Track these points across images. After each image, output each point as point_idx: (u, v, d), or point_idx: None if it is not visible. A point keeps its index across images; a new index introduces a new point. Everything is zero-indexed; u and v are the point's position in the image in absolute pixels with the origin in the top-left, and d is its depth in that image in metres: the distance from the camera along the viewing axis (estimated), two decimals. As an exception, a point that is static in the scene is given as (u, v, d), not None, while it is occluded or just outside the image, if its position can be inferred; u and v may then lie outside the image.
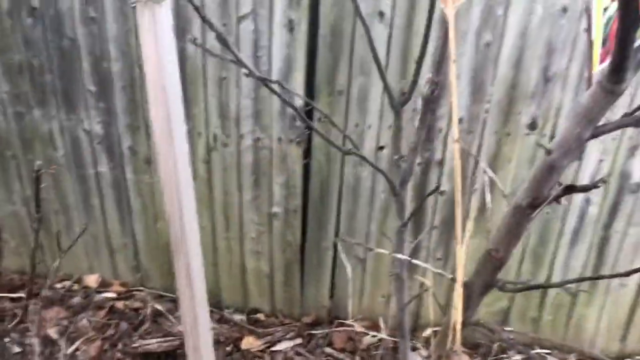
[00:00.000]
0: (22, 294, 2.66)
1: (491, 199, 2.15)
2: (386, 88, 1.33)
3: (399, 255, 1.53)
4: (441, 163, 2.19)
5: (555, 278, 2.33)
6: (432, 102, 1.29)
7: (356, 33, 2.01)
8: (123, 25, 2.14)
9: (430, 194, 1.64)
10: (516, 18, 1.91)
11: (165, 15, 0.89)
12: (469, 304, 1.40)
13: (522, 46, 1.95)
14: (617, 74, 0.94)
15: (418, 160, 2.20)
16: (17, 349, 2.41)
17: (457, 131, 1.17)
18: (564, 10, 1.88)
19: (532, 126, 2.08)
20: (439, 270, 1.58)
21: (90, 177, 2.49)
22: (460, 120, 2.11)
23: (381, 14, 1.96)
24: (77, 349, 2.41)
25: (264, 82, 1.27)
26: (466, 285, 1.36)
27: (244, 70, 1.27)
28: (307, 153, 2.26)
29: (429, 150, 2.18)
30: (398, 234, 1.51)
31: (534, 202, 1.19)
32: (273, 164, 2.28)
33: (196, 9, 1.17)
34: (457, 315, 1.28)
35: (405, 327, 1.67)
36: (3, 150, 2.52)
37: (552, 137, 2.07)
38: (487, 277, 1.37)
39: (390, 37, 1.99)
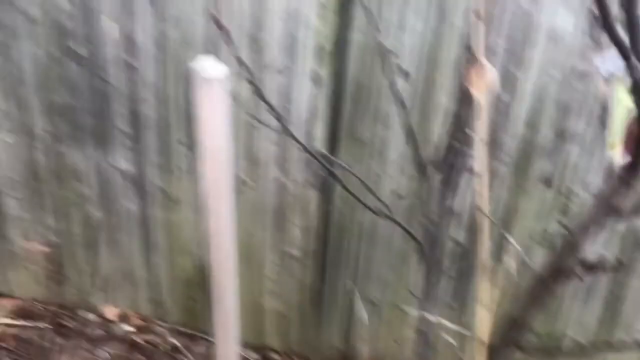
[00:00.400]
0: (46, 324, 2.75)
1: (505, 255, 2.21)
2: (416, 153, 1.39)
3: (429, 316, 1.58)
4: (457, 213, 2.26)
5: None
6: (456, 169, 1.37)
7: (378, 87, 2.12)
8: (160, 72, 2.28)
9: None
10: (533, 79, 2.01)
11: (222, 89, 0.98)
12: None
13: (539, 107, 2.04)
14: (634, 170, 1.03)
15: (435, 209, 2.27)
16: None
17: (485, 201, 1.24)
18: (582, 75, 1.98)
19: (548, 183, 2.15)
20: (466, 332, 1.63)
21: (119, 213, 2.60)
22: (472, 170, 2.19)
23: (403, 70, 2.07)
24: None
25: (291, 136, 1.37)
26: (489, 347, 1.42)
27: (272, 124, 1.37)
28: (328, 198, 2.35)
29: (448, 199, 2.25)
30: (425, 294, 1.57)
31: (556, 278, 1.26)
32: (293, 207, 2.37)
33: (239, 60, 1.28)
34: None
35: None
36: (39, 186, 2.65)
37: (567, 195, 2.14)
38: (508, 339, 1.42)
39: (410, 92, 2.10)
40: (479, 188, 2.16)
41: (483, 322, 1.29)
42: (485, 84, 1.02)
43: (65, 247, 2.77)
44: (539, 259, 2.22)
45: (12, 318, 2.82)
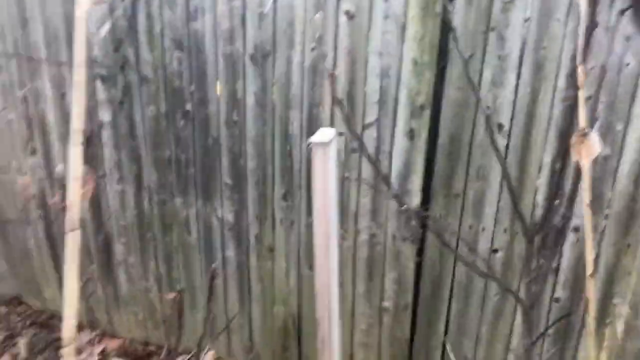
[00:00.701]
0: (146, 364, 2.89)
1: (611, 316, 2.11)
2: (520, 216, 1.40)
3: None
4: (557, 271, 2.19)
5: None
6: (558, 227, 1.36)
7: (474, 142, 2.14)
8: (261, 128, 2.42)
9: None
10: (636, 134, 1.95)
11: (333, 152, 1.06)
12: None
13: (643, 160, 1.98)
14: None
15: (533, 265, 2.22)
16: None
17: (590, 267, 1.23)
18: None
19: None
20: None
21: (218, 260, 2.73)
22: (577, 229, 2.12)
23: (500, 126, 2.08)
24: None
25: (395, 197, 1.41)
26: None
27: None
28: (420, 251, 2.35)
29: (545, 257, 2.20)
30: (527, 353, 1.53)
31: None
32: (386, 260, 2.39)
33: (347, 120, 1.35)
34: None
35: None
36: (144, 232, 2.85)
37: (676, 252, 2.03)
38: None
39: (507, 147, 2.09)
40: (582, 247, 2.09)
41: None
42: (588, 149, 1.02)
43: (165, 291, 2.93)
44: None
45: (117, 356, 2.99)
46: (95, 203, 2.89)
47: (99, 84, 2.65)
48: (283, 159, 2.43)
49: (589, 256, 1.13)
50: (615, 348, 2.22)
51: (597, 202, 2.05)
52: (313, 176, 1.01)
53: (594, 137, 0.92)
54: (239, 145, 2.49)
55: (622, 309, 2.17)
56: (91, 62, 2.59)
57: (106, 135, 2.74)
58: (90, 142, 2.75)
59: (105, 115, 2.70)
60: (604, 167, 2.02)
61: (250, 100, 2.40)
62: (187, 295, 2.88)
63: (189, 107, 2.53)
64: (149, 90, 2.57)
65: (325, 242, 1.05)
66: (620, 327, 2.18)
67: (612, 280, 2.12)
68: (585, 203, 0.91)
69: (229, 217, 2.63)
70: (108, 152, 2.76)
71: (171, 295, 1.15)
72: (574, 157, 0.98)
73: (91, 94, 2.66)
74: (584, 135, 0.94)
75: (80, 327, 3.21)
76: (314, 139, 1.04)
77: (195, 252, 2.77)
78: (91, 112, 2.73)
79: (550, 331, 2.27)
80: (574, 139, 0.96)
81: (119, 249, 2.95)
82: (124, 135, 2.70)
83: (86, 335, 3.19)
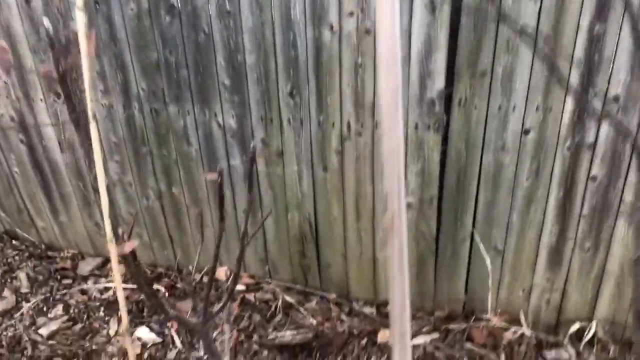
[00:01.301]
0: (158, 287, 2.76)
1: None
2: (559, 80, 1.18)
3: None
4: (593, 146, 2.03)
5: None
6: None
7: (503, 9, 1.90)
8: (258, 17, 2.14)
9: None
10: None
11: None
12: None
13: (696, 12, 1.76)
14: None
15: (567, 143, 2.05)
16: (157, 339, 2.49)
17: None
18: None
19: None
20: None
21: (223, 170, 2.53)
22: (617, 98, 1.94)
23: (532, -13, 1.83)
24: (214, 340, 2.46)
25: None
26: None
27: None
28: (445, 140, 2.17)
29: (580, 132, 2.03)
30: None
31: None
32: (408, 152, 2.21)
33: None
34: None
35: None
36: (139, 146, 2.62)
37: None
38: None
39: (540, 10, 1.86)
40: (622, 118, 1.91)
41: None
42: None
43: (171, 207, 2.75)
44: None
45: (124, 281, 2.85)
46: (81, 120, 2.63)
47: (67, -18, 2.32)
48: (286, 50, 2.17)
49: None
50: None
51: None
52: (378, 15, 0.79)
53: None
54: (234, 39, 2.22)
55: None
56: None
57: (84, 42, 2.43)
58: (68, 52, 2.46)
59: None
60: (652, 25, 1.80)
61: (243, -16, 2.10)
62: (193, 211, 2.71)
63: (173, 0, 2.23)
64: (125, -16, 2.25)
65: (394, 106, 0.85)
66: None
67: (655, 152, 1.97)
68: None
69: (231, 122, 2.40)
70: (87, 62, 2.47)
71: (195, 212, 0.97)
72: None
73: (60, -5, 2.34)
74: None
75: (81, 256, 3.06)
76: None
77: (196, 163, 2.56)
78: (64, 17, 2.41)
79: (585, 211, 2.15)
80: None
81: (112, 167, 2.73)
82: (104, 41, 2.40)
83: (89, 264, 3.03)
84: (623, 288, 2.24)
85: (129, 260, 0.80)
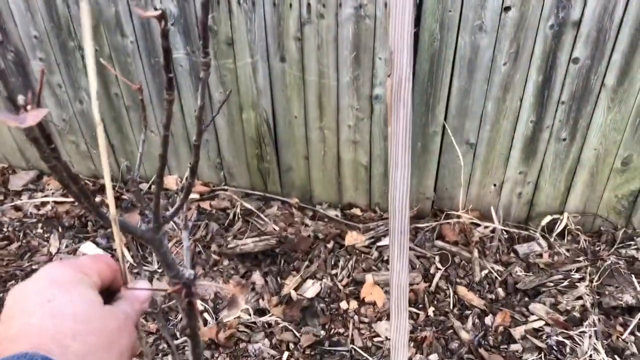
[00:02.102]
0: (102, 198, 2.50)
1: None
2: None
3: None
4: (578, 24, 1.84)
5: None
6: None
7: None
8: None
9: None
10: None
11: None
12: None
13: None
14: None
15: (550, 22, 1.85)
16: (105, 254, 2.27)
17: None
18: None
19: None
20: None
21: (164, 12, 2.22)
22: (608, -32, 1.73)
23: None
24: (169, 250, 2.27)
25: None
26: None
27: None
28: (417, 21, 1.93)
29: (565, 7, 1.83)
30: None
31: None
32: (377, 37, 1.97)
33: None
34: None
35: None
36: (65, 40, 2.26)
37: None
38: None
39: None
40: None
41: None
42: None
43: (109, 112, 2.45)
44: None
45: (62, 195, 2.58)
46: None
47: None
48: None
49: None
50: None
51: None
52: None
53: None
54: None
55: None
56: None
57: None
58: None
59: None
60: None
61: None
62: (135, 114, 2.42)
63: None
64: None
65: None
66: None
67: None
68: None
69: (171, 6, 2.08)
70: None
71: (134, 87, 0.73)
72: None
73: None
74: None
75: (12, 170, 2.75)
76: None
77: (134, 58, 2.24)
78: None
79: (564, 97, 2.00)
80: None
81: (36, 66, 2.37)
82: None
83: (21, 178, 2.73)
84: (596, 178, 2.16)
85: (40, 141, 0.55)
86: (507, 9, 1.85)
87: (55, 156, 0.71)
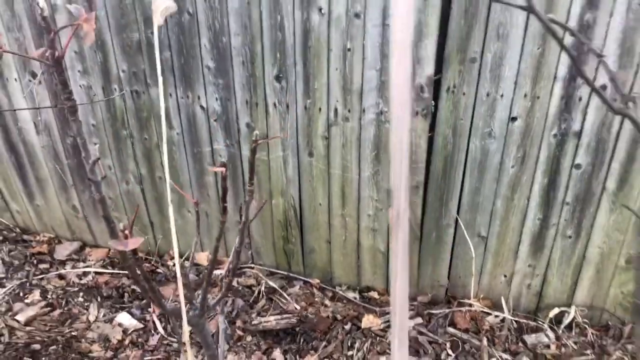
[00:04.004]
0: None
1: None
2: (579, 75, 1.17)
3: None
4: (579, 134, 2.04)
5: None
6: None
7: (493, -4, 1.88)
8: (244, -3, 2.09)
9: None
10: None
11: None
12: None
13: (684, 3, 1.77)
14: None
15: (553, 131, 2.06)
16: (139, 325, 2.45)
17: None
18: None
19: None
20: None
21: (206, 154, 2.48)
22: (604, 87, 1.95)
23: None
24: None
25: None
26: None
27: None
28: (432, 126, 2.16)
29: (566, 120, 2.04)
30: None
31: None
32: (396, 138, 2.19)
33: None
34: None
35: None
36: (119, 129, 2.55)
37: None
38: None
39: None
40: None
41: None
42: None
43: (152, 193, 2.70)
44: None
45: (102, 266, 2.80)
46: (58, 101, 2.55)
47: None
48: (273, 33, 2.13)
49: None
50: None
51: (628, 55, 1.87)
52: (393, 10, 0.76)
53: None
54: (219, 20, 2.16)
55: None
56: None
57: (60, 18, 2.35)
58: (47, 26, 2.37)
59: (55, -4, 2.30)
60: (638, 15, 1.81)
61: (229, -37, 2.05)
62: (175, 196, 2.66)
63: (155, -22, 2.16)
64: (106, -40, 2.17)
65: (404, 95, 0.83)
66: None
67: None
68: None
69: (215, 105, 2.35)
70: (63, 41, 2.39)
71: (192, 201, 0.94)
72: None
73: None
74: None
75: (58, 240, 2.99)
76: None
77: (179, 147, 2.51)
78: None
79: (569, 199, 2.17)
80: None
81: (91, 150, 2.65)
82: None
83: (66, 248, 2.97)
84: (602, 274, 2.29)
85: (128, 256, 0.77)
86: (514, 119, 2.07)
87: (138, 266, 0.94)
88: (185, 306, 1.00)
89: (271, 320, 2.40)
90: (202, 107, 2.36)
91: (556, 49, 1.91)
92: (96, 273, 2.76)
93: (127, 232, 0.77)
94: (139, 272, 0.80)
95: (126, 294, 2.60)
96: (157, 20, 1.01)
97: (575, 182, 2.14)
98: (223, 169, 0.71)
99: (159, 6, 1.03)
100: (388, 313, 2.44)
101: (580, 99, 1.99)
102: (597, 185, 2.12)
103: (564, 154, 2.09)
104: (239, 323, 2.42)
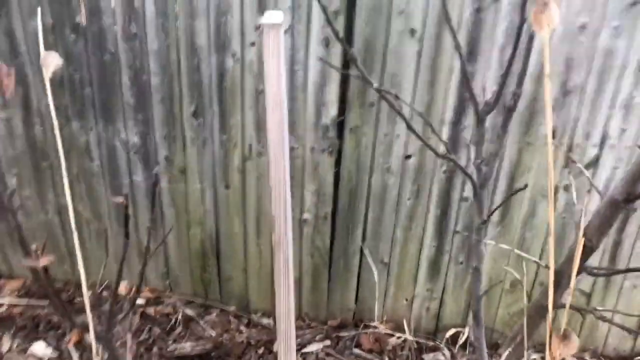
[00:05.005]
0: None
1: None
2: (471, 97, 1.39)
3: (481, 248, 1.63)
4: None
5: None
6: (511, 111, 1.40)
7: (387, 48, 2.13)
8: (164, 40, 2.24)
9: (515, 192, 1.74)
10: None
11: (283, 36, 0.99)
12: (559, 289, 1.54)
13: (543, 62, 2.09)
14: None
15: (443, 168, 2.32)
16: (53, 354, 2.48)
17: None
18: (583, 27, 2.02)
19: (552, 136, 2.21)
20: (534, 259, 1.73)
21: (125, 186, 2.58)
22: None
23: (412, 31, 2.08)
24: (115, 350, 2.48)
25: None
26: (556, 272, 1.48)
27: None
28: (338, 162, 2.37)
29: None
30: (477, 230, 1.60)
31: (629, 197, 1.34)
32: (305, 173, 2.39)
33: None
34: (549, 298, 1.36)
35: (481, 317, 1.72)
36: (39, 161, 2.61)
37: (569, 148, 2.21)
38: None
39: (420, 52, 2.12)
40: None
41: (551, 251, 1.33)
42: (549, 19, 0.96)
43: (67, 224, 2.74)
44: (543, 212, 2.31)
45: (18, 297, 2.79)
46: (-24, 133, 2.59)
47: (-35, -6, 2.30)
48: (191, 74, 2.29)
49: (549, 128, 1.14)
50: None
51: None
52: (266, 61, 0.94)
53: (554, 8, 0.88)
54: (140, 60, 2.30)
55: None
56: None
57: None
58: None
59: (-23, 31, 2.37)
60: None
61: (149, 9, 2.20)
62: (93, 226, 2.72)
63: (79, 19, 2.28)
64: (32, 2, 2.28)
65: (279, 142, 1.01)
66: (517, 215, 2.38)
67: (515, 175, 2.28)
68: (545, 74, 0.89)
69: (134, 139, 2.47)
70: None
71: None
72: (534, 27, 0.92)
73: (-43, 6, 2.31)
74: (545, 4, 0.90)
75: (-30, 271, 2.95)
76: (264, 20, 0.97)
77: (98, 179, 2.59)
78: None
79: (459, 228, 2.43)
80: (534, 9, 0.91)
81: (10, 181, 2.69)
82: (4, 53, 2.39)
83: (-21, 279, 2.93)
84: (490, 297, 2.55)
85: (40, 275, 0.90)
86: (409, 157, 2.31)
87: (49, 284, 1.09)
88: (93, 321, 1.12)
89: (187, 346, 2.50)
90: (121, 140, 2.47)
91: (441, 101, 2.18)
92: (10, 305, 2.75)
93: (39, 252, 0.90)
94: (50, 289, 0.93)
95: (41, 324, 2.61)
96: (48, 74, 1.16)
97: (464, 213, 2.40)
98: (122, 200, 0.86)
99: (48, 63, 1.17)
100: (300, 337, 2.59)
101: (465, 139, 2.26)
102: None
103: (453, 187, 2.35)
104: (155, 350, 2.49)
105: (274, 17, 0.98)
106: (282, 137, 1.05)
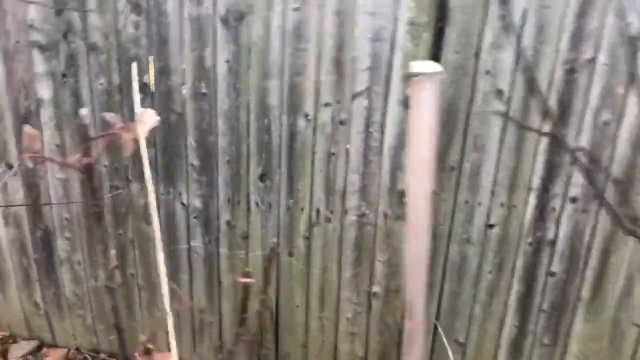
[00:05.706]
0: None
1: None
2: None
3: None
4: (553, 243, 2.12)
5: None
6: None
7: (472, 109, 2.01)
8: (234, 100, 2.17)
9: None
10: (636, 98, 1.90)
11: (436, 89, 0.87)
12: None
13: (643, 124, 1.93)
14: None
15: (529, 239, 2.13)
16: None
17: None
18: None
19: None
20: None
21: (182, 252, 2.44)
22: (574, 200, 2.05)
23: (499, 92, 1.96)
24: None
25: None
26: None
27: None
28: (412, 230, 2.20)
29: (541, 229, 2.11)
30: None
31: None
32: (376, 241, 2.22)
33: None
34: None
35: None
36: (92, 224, 2.50)
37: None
38: None
39: (507, 113, 1.98)
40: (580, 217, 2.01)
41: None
42: None
43: (123, 289, 2.60)
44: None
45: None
46: (33, 194, 2.51)
47: (36, 54, 2.29)
48: (260, 135, 2.19)
49: None
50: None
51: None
52: (415, 114, 0.81)
53: None
54: (208, 121, 2.22)
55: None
56: (27, 27, 2.24)
57: (46, 114, 2.37)
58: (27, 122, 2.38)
59: (44, 91, 2.34)
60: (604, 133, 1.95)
61: (221, 69, 2.14)
62: (145, 294, 2.57)
63: (145, 78, 2.23)
64: (99, 60, 2.24)
65: (422, 199, 0.87)
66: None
67: (609, 250, 2.07)
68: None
69: (196, 202, 2.35)
70: (49, 134, 2.39)
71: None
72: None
73: (27, 66, 2.30)
74: None
75: (13, 339, 2.82)
76: (419, 69, 0.85)
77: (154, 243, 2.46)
78: (27, 87, 2.35)
79: (545, 306, 2.20)
80: None
81: (61, 245, 2.58)
82: (68, 114, 2.34)
83: (21, 348, 2.78)
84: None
85: None
86: (491, 226, 2.13)
87: None
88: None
89: None
90: (182, 203, 2.36)
91: (529, 161, 2.02)
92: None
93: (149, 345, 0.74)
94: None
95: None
96: (144, 132, 1.05)
97: (551, 289, 2.18)
98: (252, 280, 0.72)
99: (145, 120, 1.06)
100: None
101: (553, 209, 2.08)
102: (571, 293, 2.16)
103: (539, 261, 2.14)
104: None
105: (428, 66, 0.86)
106: (425, 196, 0.90)
